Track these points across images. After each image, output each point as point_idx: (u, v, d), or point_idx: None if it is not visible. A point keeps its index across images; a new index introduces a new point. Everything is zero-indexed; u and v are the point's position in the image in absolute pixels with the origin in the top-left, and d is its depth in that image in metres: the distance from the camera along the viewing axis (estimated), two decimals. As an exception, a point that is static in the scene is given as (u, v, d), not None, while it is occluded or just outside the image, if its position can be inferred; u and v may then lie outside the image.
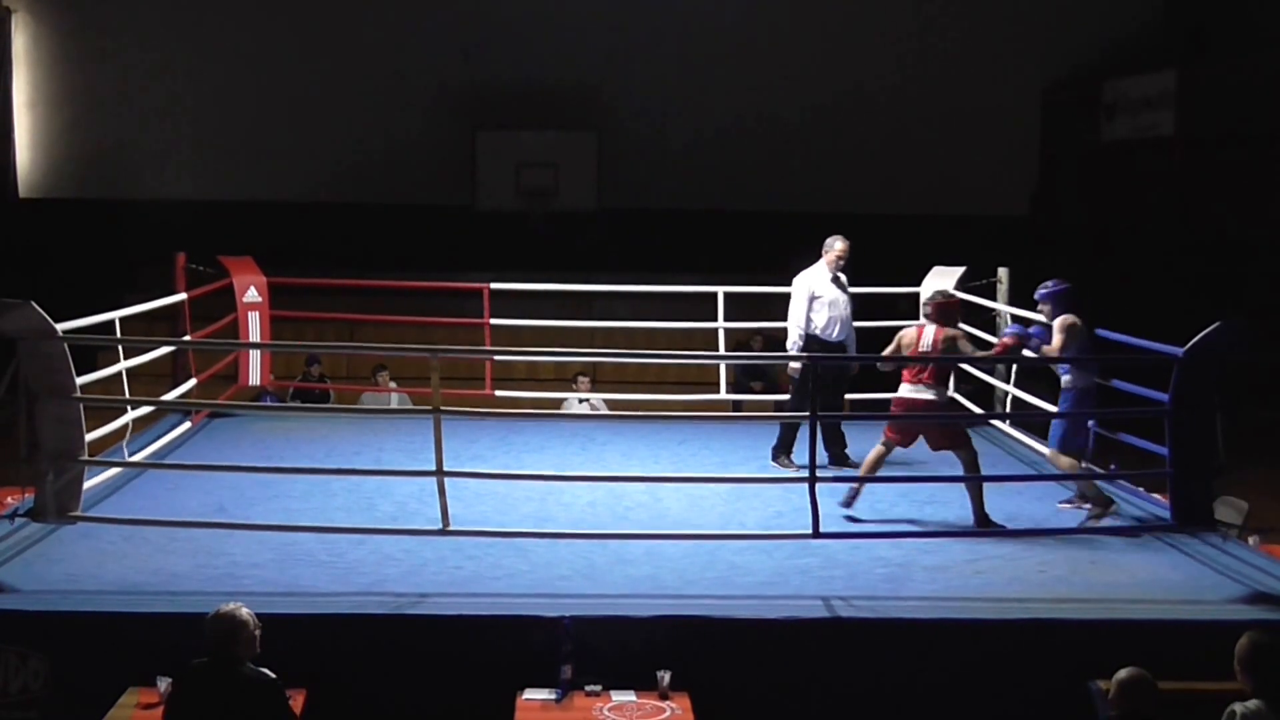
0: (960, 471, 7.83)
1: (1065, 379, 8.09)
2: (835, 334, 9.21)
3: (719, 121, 17.39)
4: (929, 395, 7.84)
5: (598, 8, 17.36)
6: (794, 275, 9.44)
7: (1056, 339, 7.99)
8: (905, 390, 7.93)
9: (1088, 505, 8.06)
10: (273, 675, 5.13)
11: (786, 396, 12.34)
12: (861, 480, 8.00)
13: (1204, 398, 6.84)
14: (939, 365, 7.84)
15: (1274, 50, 14.51)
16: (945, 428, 7.93)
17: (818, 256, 9.39)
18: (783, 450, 9.31)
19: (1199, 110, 15.16)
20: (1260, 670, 4.84)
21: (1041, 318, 8.38)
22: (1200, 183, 15.44)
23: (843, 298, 9.25)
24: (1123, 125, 16.50)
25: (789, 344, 9.25)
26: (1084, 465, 8.19)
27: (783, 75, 17.44)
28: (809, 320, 9.17)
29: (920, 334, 7.99)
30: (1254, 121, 14.51)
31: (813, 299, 9.17)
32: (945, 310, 7.99)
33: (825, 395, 9.04)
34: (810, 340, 9.17)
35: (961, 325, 8.20)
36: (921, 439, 8.00)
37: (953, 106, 17.43)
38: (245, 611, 5.21)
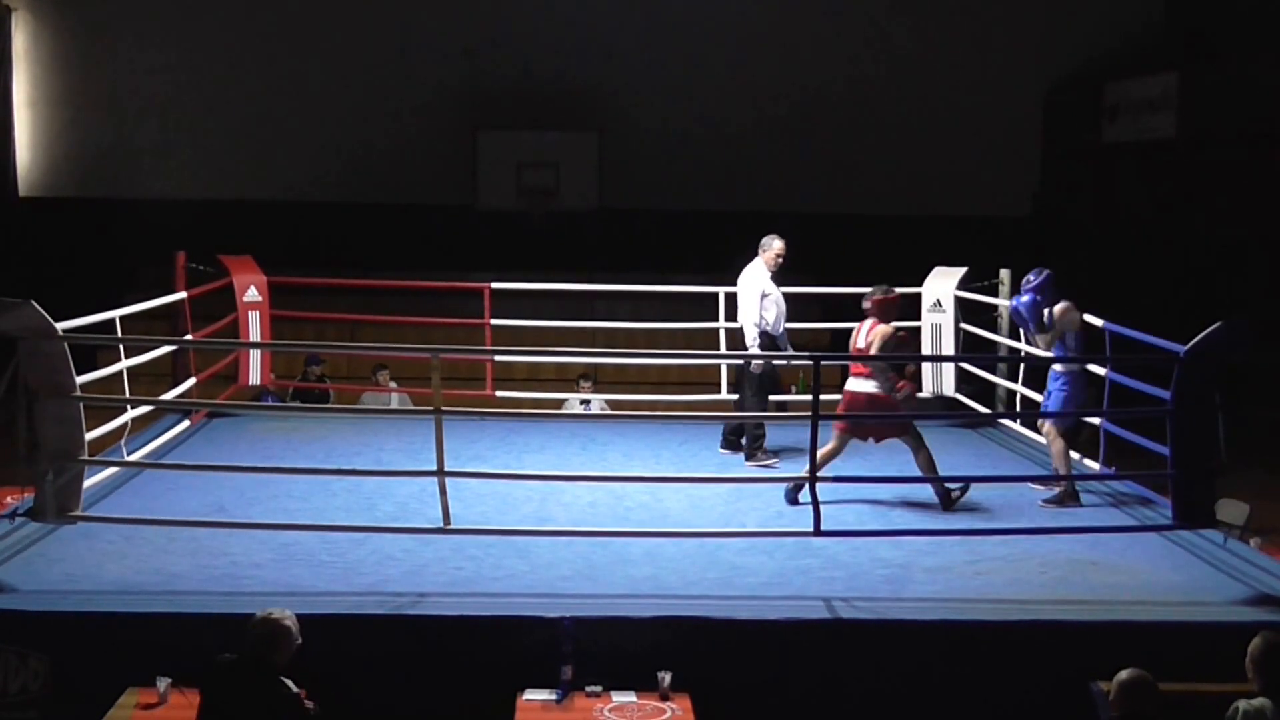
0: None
1: (1067, 365, 8.29)
2: (779, 330, 9.43)
3: (720, 121, 17.39)
4: (870, 388, 8.19)
5: (599, 7, 17.36)
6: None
7: (1058, 328, 8.25)
8: (849, 384, 8.31)
9: (1056, 488, 8.36)
10: (295, 689, 5.13)
11: (788, 396, 12.39)
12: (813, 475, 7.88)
13: (1205, 398, 6.83)
14: (868, 360, 8.22)
15: (1276, 52, 14.51)
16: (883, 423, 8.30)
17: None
18: (755, 446, 9.40)
19: (1200, 112, 15.15)
20: (1271, 670, 4.84)
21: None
22: (1202, 184, 15.43)
23: (781, 294, 9.43)
24: (1124, 126, 16.50)
25: (748, 340, 9.36)
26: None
27: (784, 75, 17.44)
28: (760, 318, 9.32)
29: (858, 330, 8.39)
30: (1255, 123, 14.51)
31: (763, 296, 9.32)
32: (884, 306, 8.35)
33: (766, 391, 9.50)
34: (763, 337, 9.33)
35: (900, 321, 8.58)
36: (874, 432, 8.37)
37: (955, 107, 17.42)
38: (291, 620, 5.23)
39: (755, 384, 9.42)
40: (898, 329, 8.37)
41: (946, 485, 8.13)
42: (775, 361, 9.49)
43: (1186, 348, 6.84)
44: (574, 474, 8.59)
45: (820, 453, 7.99)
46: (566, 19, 17.26)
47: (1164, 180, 16.04)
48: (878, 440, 8.37)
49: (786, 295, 9.76)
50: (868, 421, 8.24)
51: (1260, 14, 15.47)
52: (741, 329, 9.48)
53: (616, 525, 7.66)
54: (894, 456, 8.98)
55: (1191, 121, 15.23)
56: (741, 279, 9.49)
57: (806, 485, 7.68)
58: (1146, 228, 16.18)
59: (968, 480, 8.27)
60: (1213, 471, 6.92)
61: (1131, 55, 16.98)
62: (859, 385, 8.23)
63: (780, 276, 9.73)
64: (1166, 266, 15.65)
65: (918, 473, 8.45)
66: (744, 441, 9.45)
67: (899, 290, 8.63)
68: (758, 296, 9.30)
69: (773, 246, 9.44)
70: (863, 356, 8.21)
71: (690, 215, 16.88)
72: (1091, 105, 17.01)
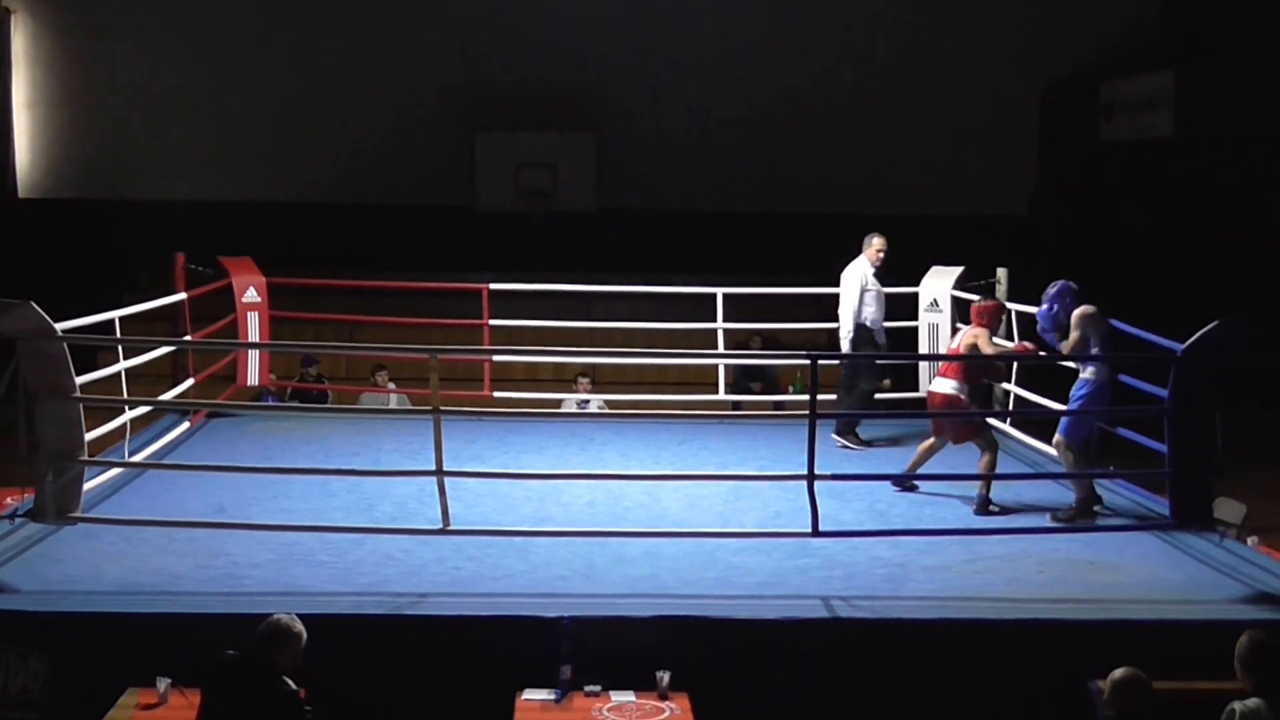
0: (976, 460, 8.23)
1: (1087, 371, 8.04)
2: (878, 325, 9.78)
3: (718, 122, 17.40)
4: (946, 390, 8.35)
5: (597, 8, 17.36)
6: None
7: (1073, 334, 7.99)
8: (933, 384, 8.52)
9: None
10: (294, 687, 5.16)
11: (785, 396, 12.43)
12: (914, 468, 8.47)
13: (1203, 397, 6.85)
14: (963, 363, 8.34)
15: (1272, 51, 14.52)
16: (962, 422, 8.39)
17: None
18: (848, 429, 9.82)
19: (1197, 111, 15.16)
20: (1260, 669, 4.84)
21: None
22: (1198, 183, 15.44)
23: (883, 290, 9.75)
24: (1121, 125, 16.50)
25: (841, 334, 9.70)
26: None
27: (781, 75, 17.45)
28: (859, 311, 9.63)
29: (955, 334, 8.65)
30: (1252, 121, 14.52)
31: (864, 291, 9.62)
32: (980, 313, 8.46)
33: (864, 382, 9.79)
34: (859, 330, 9.63)
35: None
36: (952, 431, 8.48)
37: (952, 106, 17.43)
38: (299, 626, 5.28)
39: (860, 375, 9.77)
40: (985, 333, 8.40)
41: (990, 498, 8.12)
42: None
43: (1184, 347, 6.86)
44: (572, 473, 8.61)
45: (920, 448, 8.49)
46: (564, 20, 17.27)
47: (1160, 179, 16.04)
48: (955, 442, 8.45)
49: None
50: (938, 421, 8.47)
51: (1257, 13, 15.48)
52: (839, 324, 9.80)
53: (615, 525, 7.67)
54: (893, 457, 9.01)
55: (1188, 120, 15.24)
56: (845, 274, 9.78)
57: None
58: (1143, 227, 16.19)
59: (968, 478, 8.28)
60: (1210, 471, 6.94)
61: (1128, 54, 17.00)
62: (938, 385, 8.41)
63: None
64: (1163, 265, 15.66)
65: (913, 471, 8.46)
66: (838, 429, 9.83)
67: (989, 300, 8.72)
68: (858, 291, 9.58)
69: (873, 243, 9.73)
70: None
71: (687, 216, 16.89)
72: (1088, 104, 17.01)
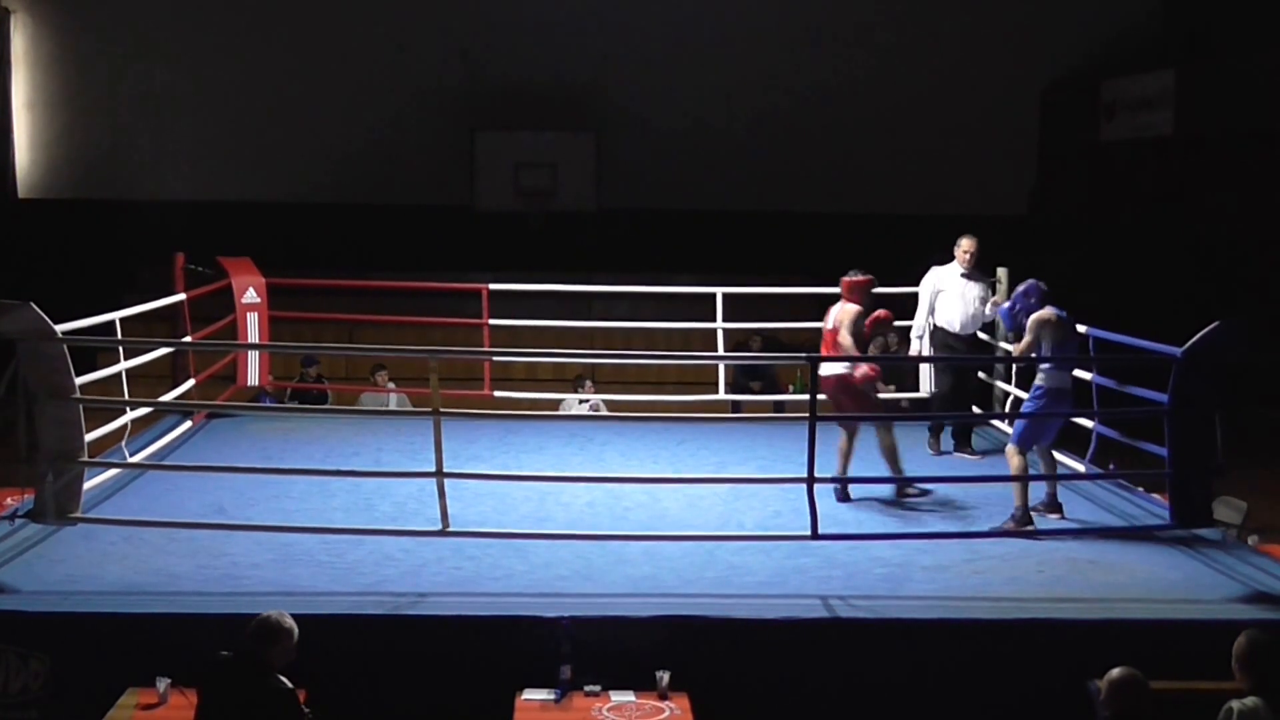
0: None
1: (1038, 377, 7.91)
2: (965, 330, 9.64)
3: (717, 121, 17.39)
4: (838, 370, 8.17)
5: (596, 8, 17.36)
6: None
7: (1025, 338, 7.86)
8: (821, 368, 7.96)
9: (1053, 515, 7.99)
10: (290, 685, 5.16)
11: (785, 396, 12.44)
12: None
13: (1203, 397, 6.85)
14: (836, 341, 8.18)
15: (1273, 49, 14.52)
16: (851, 396, 8.23)
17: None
18: (964, 440, 9.78)
19: (1198, 109, 15.17)
20: (1258, 668, 4.84)
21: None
22: (1199, 182, 15.45)
23: (972, 292, 9.58)
24: (1122, 124, 16.51)
25: (913, 335, 9.64)
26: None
27: (781, 74, 17.44)
28: (934, 313, 9.60)
29: (828, 313, 8.42)
30: (1252, 120, 14.52)
31: (937, 293, 9.59)
32: (852, 288, 8.34)
33: (958, 389, 9.69)
34: (937, 332, 9.60)
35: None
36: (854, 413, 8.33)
37: (952, 105, 17.42)
38: (290, 622, 5.26)
39: (944, 381, 9.74)
40: (863, 311, 8.22)
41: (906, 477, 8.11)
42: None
43: (1184, 348, 6.86)
44: (572, 474, 8.61)
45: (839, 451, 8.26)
46: (563, 20, 17.26)
47: (1161, 178, 16.05)
48: (837, 411, 8.26)
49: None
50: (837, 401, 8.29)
51: (1257, 12, 15.48)
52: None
53: (614, 525, 7.68)
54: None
55: (1189, 119, 15.24)
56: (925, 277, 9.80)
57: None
58: (1143, 226, 16.19)
59: (969, 480, 8.27)
60: (1210, 471, 6.94)
61: (1128, 53, 16.99)
62: (827, 368, 8.11)
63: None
64: (1163, 265, 15.66)
65: (925, 472, 8.43)
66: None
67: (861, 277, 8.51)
68: (929, 293, 9.60)
69: (961, 244, 9.68)
70: (842, 357, 8.10)
71: (687, 215, 16.89)
72: (1088, 103, 17.01)
